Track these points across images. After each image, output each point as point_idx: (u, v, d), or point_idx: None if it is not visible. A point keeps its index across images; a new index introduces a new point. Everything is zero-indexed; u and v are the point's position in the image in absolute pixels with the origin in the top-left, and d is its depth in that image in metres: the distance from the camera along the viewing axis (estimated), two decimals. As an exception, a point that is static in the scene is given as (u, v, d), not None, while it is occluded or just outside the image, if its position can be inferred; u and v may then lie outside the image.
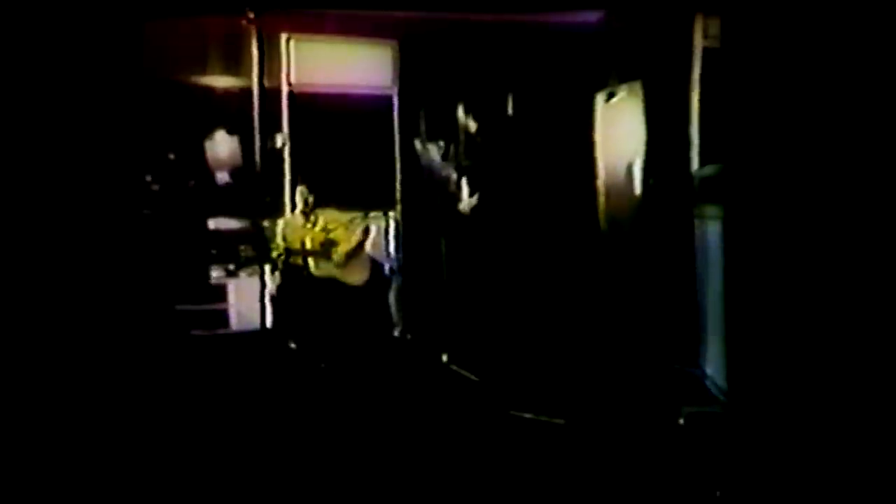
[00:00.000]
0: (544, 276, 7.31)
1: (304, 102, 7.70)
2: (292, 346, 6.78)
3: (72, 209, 4.52)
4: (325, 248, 6.97)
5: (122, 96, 4.69)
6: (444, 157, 7.40)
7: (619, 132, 6.89)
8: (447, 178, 7.40)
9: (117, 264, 4.66)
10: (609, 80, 7.13)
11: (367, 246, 7.16)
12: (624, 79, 6.88)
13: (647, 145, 6.48)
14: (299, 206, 7.05)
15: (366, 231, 7.13)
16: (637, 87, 6.65)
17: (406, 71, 7.86)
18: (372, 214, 7.48)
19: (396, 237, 7.85)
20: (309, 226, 7.01)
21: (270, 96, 7.34)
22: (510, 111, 7.71)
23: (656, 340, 6.11)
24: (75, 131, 4.44)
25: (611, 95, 7.10)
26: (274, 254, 6.83)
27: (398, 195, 7.96)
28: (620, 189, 6.88)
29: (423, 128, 7.78)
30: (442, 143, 7.45)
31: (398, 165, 7.94)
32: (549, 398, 5.61)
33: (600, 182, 7.24)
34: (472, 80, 7.74)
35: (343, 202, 7.23)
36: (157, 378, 5.32)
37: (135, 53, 4.99)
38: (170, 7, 6.56)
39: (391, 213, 7.85)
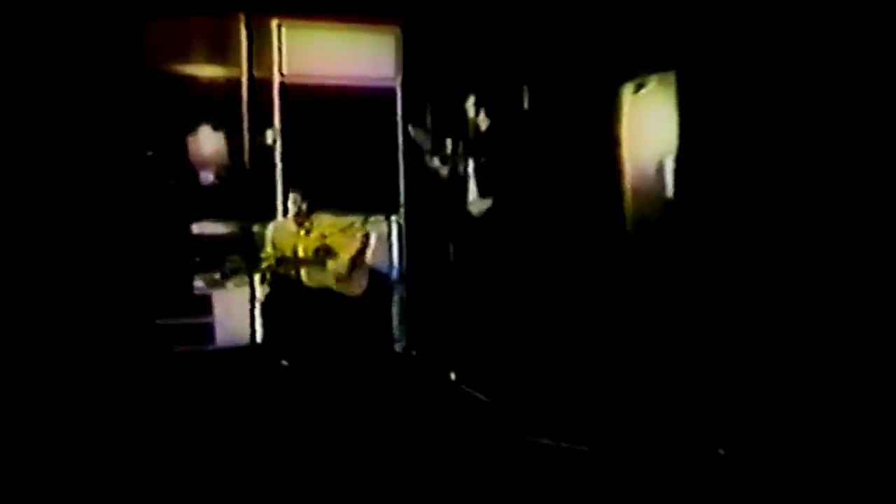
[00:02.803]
0: (563, 286, 7.14)
1: (298, 95, 7.61)
2: (284, 363, 6.71)
3: (63, 212, 4.71)
4: (321, 257, 6.88)
5: (125, 99, 5.01)
6: (454, 154, 7.29)
7: (649, 128, 6.78)
8: (456, 179, 7.31)
9: (96, 271, 4.63)
10: (638, 70, 6.96)
11: (367, 253, 7.06)
12: (654, 69, 6.75)
13: (681, 143, 6.37)
14: (292, 210, 6.97)
15: (366, 237, 7.03)
16: (670, 77, 6.54)
17: (410, 60, 7.81)
18: (372, 219, 7.41)
19: (399, 243, 7.82)
20: (303, 232, 6.92)
21: (260, 88, 7.36)
22: (526, 105, 7.50)
23: (688, 359, 5.99)
24: (71, 132, 4.67)
25: (639, 87, 6.97)
26: (264, 263, 6.76)
27: (401, 197, 7.89)
28: (649, 190, 6.77)
29: (429, 123, 7.72)
30: (451, 140, 7.34)
31: (401, 165, 7.85)
32: (570, 422, 5.51)
33: (627, 182, 7.11)
34: (484, 71, 7.63)
35: (340, 205, 7.17)
36: (136, 398, 5.34)
37: (136, 53, 5.26)
38: (170, 6, 6.64)
39: (394, 218, 7.82)
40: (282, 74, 7.65)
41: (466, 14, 7.51)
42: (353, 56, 7.80)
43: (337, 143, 7.69)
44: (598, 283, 7.04)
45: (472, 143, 7.36)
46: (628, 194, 7.15)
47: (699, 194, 6.17)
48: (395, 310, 7.56)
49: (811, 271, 5.25)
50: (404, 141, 7.83)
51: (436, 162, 7.35)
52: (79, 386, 4.92)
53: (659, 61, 6.68)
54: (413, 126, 7.66)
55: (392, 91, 7.93)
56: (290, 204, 7.02)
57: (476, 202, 7.34)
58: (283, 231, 6.98)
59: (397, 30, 7.84)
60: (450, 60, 7.73)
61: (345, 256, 6.93)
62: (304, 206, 6.88)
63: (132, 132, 5.28)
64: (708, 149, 6.13)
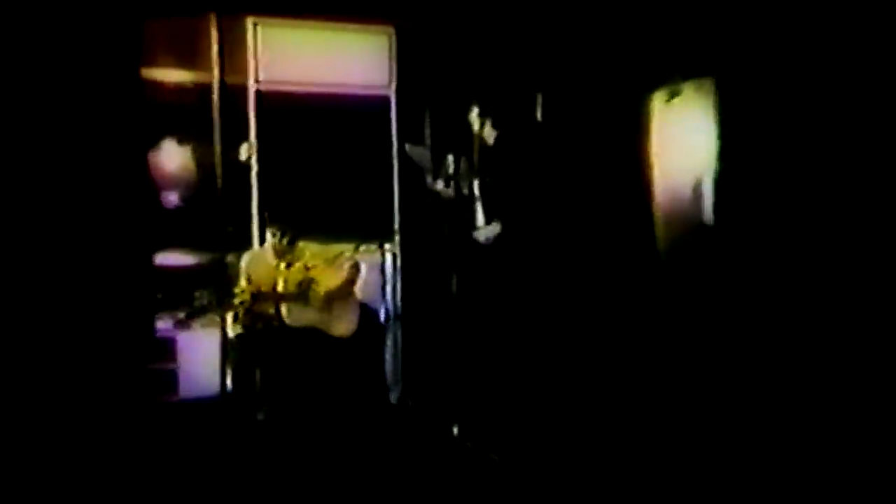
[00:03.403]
0: (585, 327, 6.66)
1: (276, 104, 7.18)
2: (260, 417, 6.34)
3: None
4: (304, 291, 6.43)
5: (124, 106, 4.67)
6: (456, 173, 6.70)
7: (683, 141, 6.51)
8: (459, 201, 6.76)
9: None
10: (670, 76, 6.62)
11: (357, 287, 6.59)
12: (690, 74, 6.45)
13: (721, 159, 6.04)
14: (270, 240, 6.56)
15: (355, 268, 6.57)
16: (708, 85, 6.28)
17: (406, 65, 7.38)
18: (363, 248, 7.08)
19: (394, 276, 7.42)
20: (283, 263, 6.50)
21: (233, 96, 7.05)
22: (539, 115, 7.01)
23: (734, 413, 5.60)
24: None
25: (672, 95, 6.66)
26: (237, 299, 6.36)
27: (396, 223, 7.49)
28: (684, 211, 6.47)
29: (427, 137, 7.30)
30: (453, 156, 6.71)
31: (396, 185, 7.45)
32: (596, 488, 5.12)
33: (659, 205, 6.73)
34: (491, 76, 7.11)
35: (326, 232, 6.79)
36: (86, 454, 4.70)
37: (135, 56, 4.91)
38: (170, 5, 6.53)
39: (387, 246, 7.40)
40: (258, 81, 7.17)
41: (470, 11, 7.05)
42: (341, 60, 7.35)
43: (322, 160, 7.27)
44: (627, 323, 6.58)
45: (478, 159, 6.76)
46: (661, 219, 6.77)
47: (742, 217, 5.88)
48: (388, 353, 7.17)
49: (869, 304, 5.03)
50: (399, 157, 7.37)
51: (436, 182, 6.77)
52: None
53: (696, 65, 6.36)
54: (409, 140, 7.16)
55: (385, 100, 7.47)
56: (268, 235, 6.62)
57: (483, 228, 6.73)
58: (259, 262, 6.59)
59: (391, 30, 7.38)
60: (451, 64, 7.25)
61: (331, 291, 6.46)
62: (284, 241, 6.49)
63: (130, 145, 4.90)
64: (752, 166, 5.83)
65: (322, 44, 7.35)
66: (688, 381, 6.17)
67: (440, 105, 7.46)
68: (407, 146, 7.10)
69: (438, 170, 6.83)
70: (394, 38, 7.50)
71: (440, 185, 6.81)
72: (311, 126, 7.33)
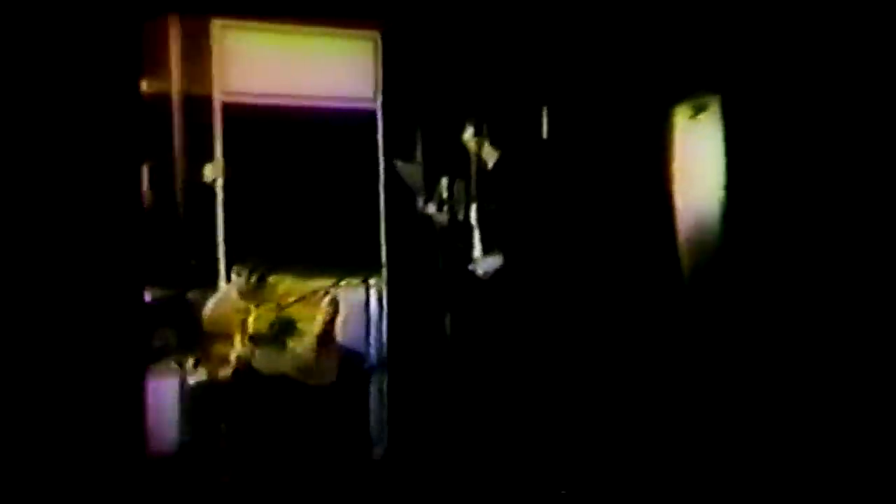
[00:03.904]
0: (598, 369, 6.27)
1: (246, 119, 6.67)
2: (225, 478, 5.96)
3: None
4: (276, 333, 6.11)
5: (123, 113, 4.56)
6: (451, 198, 6.33)
7: (709, 159, 6.26)
8: (455, 230, 6.36)
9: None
10: (693, 89, 6.40)
11: (337, 328, 6.31)
12: (716, 88, 6.25)
13: (743, 178, 5.91)
14: (238, 276, 6.23)
15: (335, 307, 6.26)
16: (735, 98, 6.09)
17: (394, 74, 6.87)
18: (344, 283, 6.55)
19: (380, 315, 6.96)
20: (253, 302, 6.17)
21: (196, 109, 6.67)
22: (545, 132, 6.64)
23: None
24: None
25: (698, 110, 6.42)
26: (201, 341, 6.20)
27: (383, 255, 6.99)
28: (711, 236, 6.25)
29: (419, 156, 6.81)
30: (447, 179, 6.36)
31: (383, 211, 6.94)
32: None
33: (681, 226, 6.50)
34: (490, 87, 6.73)
35: (302, 265, 6.40)
36: None
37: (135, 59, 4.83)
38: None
39: (373, 281, 6.88)
40: (224, 92, 6.66)
41: (466, 12, 6.61)
42: (320, 69, 6.83)
43: (298, 183, 6.80)
44: (648, 375, 6.23)
45: (476, 181, 6.31)
46: (682, 241, 6.49)
47: (768, 238, 5.73)
48: (373, 403, 6.75)
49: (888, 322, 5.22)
50: (387, 179, 6.89)
51: (428, 207, 6.40)
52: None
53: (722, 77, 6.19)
54: (398, 160, 6.70)
55: (370, 114, 6.98)
56: (233, 275, 6.30)
57: (482, 261, 6.24)
58: (226, 300, 6.31)
59: (376, 35, 6.86)
60: (445, 74, 6.79)
61: (308, 333, 6.18)
62: (252, 278, 6.17)
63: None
64: (774, 185, 5.74)
65: (298, 50, 6.83)
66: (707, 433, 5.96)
67: (433, 120, 6.98)
68: (397, 164, 6.65)
69: (431, 193, 6.49)
70: (380, 44, 6.97)
71: (433, 210, 6.45)
72: (286, 143, 6.83)
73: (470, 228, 6.34)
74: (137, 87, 4.82)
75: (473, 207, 6.34)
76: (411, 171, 6.64)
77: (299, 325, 6.26)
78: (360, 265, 6.93)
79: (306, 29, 6.83)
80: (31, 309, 4.37)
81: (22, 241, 4.35)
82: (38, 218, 4.34)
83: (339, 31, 6.92)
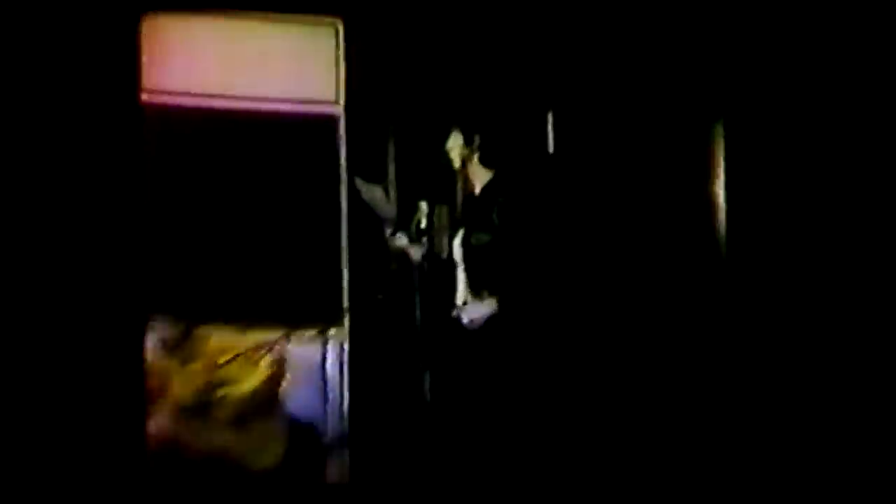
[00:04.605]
0: (613, 438, 5.55)
1: (172, 125, 5.59)
2: None
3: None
4: (205, 401, 5.50)
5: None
6: (431, 226, 5.35)
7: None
8: (435, 267, 5.38)
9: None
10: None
11: (284, 394, 5.67)
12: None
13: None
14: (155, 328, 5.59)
15: (281, 367, 5.64)
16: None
17: (359, 72, 5.86)
18: (295, 335, 5.77)
19: (340, 377, 5.98)
20: (177, 360, 5.57)
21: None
22: (551, 144, 5.81)
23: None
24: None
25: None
26: None
27: (345, 298, 6.00)
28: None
29: (391, 174, 5.90)
30: (426, 202, 5.34)
31: (344, 243, 5.92)
32: None
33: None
34: (479, 89, 5.89)
35: (241, 313, 5.64)
36: None
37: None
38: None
39: (331, 332, 5.96)
40: (145, 90, 5.40)
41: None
42: (267, 63, 5.77)
43: (237, 206, 5.81)
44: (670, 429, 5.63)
45: (463, 206, 5.45)
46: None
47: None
48: (330, 491, 5.76)
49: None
50: (350, 203, 5.89)
51: (402, 239, 5.36)
52: None
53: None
54: (365, 180, 5.62)
55: (330, 121, 5.96)
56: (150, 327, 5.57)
57: (469, 307, 5.17)
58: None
59: (338, 22, 5.83)
60: (425, 70, 5.95)
61: (247, 400, 5.60)
62: (176, 332, 5.58)
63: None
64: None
65: (239, 40, 5.75)
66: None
67: (408, 129, 6.05)
68: (362, 184, 5.53)
69: (405, 221, 5.44)
70: (342, 33, 5.96)
71: (407, 243, 5.40)
72: (221, 155, 5.82)
73: (454, 266, 5.34)
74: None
75: (458, 239, 5.33)
76: (381, 194, 5.61)
77: (236, 390, 5.68)
78: (314, 312, 6.04)
79: (250, 14, 5.73)
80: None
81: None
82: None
83: (292, 17, 5.83)
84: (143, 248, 4.89)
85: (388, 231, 5.50)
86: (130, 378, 4.78)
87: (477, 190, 5.33)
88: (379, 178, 5.85)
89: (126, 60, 4.56)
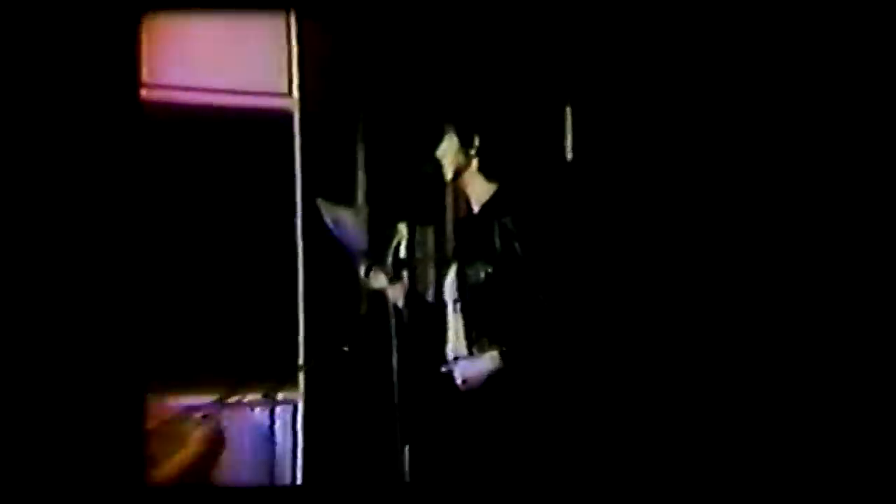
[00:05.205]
0: None
1: None
2: None
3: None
4: None
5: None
6: (411, 258, 4.36)
7: None
8: (418, 311, 4.28)
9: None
10: None
11: (222, 471, 4.49)
12: None
13: None
14: None
15: (217, 436, 4.43)
16: None
17: (319, 56, 4.88)
18: (235, 398, 4.60)
19: (293, 450, 5.05)
20: None
21: None
22: (569, 148, 4.81)
23: None
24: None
25: None
26: None
27: (300, 352, 5.01)
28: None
29: (361, 188, 4.97)
30: (405, 226, 4.27)
31: (300, 281, 4.93)
32: None
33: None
34: (479, 76, 4.86)
35: (166, 369, 4.53)
36: None
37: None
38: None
39: (281, 396, 4.96)
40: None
41: None
42: (197, 46, 4.66)
43: (163, 225, 4.76)
44: None
45: (456, 230, 4.62)
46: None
47: None
48: None
49: None
50: (306, 226, 4.90)
51: (377, 279, 4.26)
52: None
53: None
54: (326, 197, 4.54)
55: (283, 118, 4.96)
56: None
57: (464, 361, 4.07)
58: None
59: None
60: (402, 56, 5.00)
61: (173, 478, 4.41)
62: None
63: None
64: None
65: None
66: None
67: (383, 128, 5.05)
68: (322, 206, 4.45)
69: (380, 251, 4.33)
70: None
71: (382, 279, 4.26)
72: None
73: (443, 309, 4.25)
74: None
75: (451, 273, 4.27)
76: (348, 215, 4.48)
77: (161, 467, 4.48)
78: (261, 368, 4.94)
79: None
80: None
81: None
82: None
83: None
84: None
85: (361, 266, 4.37)
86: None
87: (475, 208, 4.19)
88: (346, 192, 4.92)
89: (126, 59, 3.98)
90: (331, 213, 4.37)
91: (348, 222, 4.40)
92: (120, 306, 4.29)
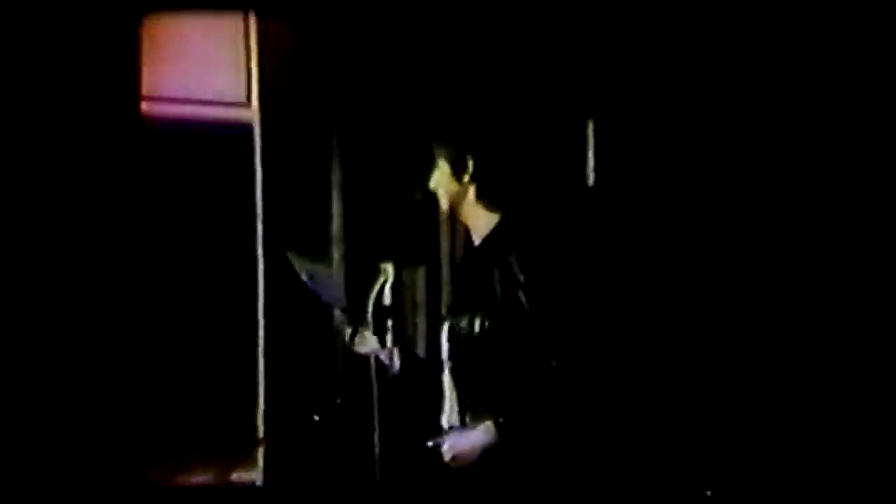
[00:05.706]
0: None
1: None
2: None
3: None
4: None
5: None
6: (397, 307, 3.41)
7: None
8: (408, 378, 3.51)
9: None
10: None
11: None
12: None
13: None
14: None
15: None
16: None
17: (283, 60, 4.17)
18: (185, 477, 4.13)
19: None
20: None
21: None
22: (591, 171, 4.07)
23: None
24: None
25: None
26: None
27: (259, 422, 4.13)
28: None
29: (334, 223, 4.17)
30: (391, 266, 3.39)
31: (260, 339, 4.13)
32: None
33: None
34: (478, 83, 4.15)
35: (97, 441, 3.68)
36: None
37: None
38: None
39: (237, 474, 4.17)
40: None
41: None
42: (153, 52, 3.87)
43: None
44: None
45: (454, 276, 3.92)
46: None
47: None
48: None
49: None
50: (268, 273, 4.14)
51: (365, 342, 3.46)
52: None
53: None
54: (296, 249, 3.66)
55: (243, 131, 4.18)
56: None
57: (455, 435, 3.30)
58: None
59: None
60: (385, 52, 4.17)
61: None
62: None
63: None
64: None
65: None
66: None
67: (362, 147, 4.27)
68: (292, 258, 3.58)
69: (359, 301, 3.56)
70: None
71: (372, 341, 3.49)
72: None
73: (439, 368, 3.47)
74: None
75: (444, 330, 3.48)
76: (324, 270, 3.78)
77: None
78: (213, 444, 4.20)
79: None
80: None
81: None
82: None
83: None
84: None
85: (345, 329, 3.55)
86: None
87: (476, 241, 3.44)
88: (319, 224, 4.17)
89: (125, 64, 3.71)
90: (305, 268, 3.61)
91: (325, 280, 3.72)
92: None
